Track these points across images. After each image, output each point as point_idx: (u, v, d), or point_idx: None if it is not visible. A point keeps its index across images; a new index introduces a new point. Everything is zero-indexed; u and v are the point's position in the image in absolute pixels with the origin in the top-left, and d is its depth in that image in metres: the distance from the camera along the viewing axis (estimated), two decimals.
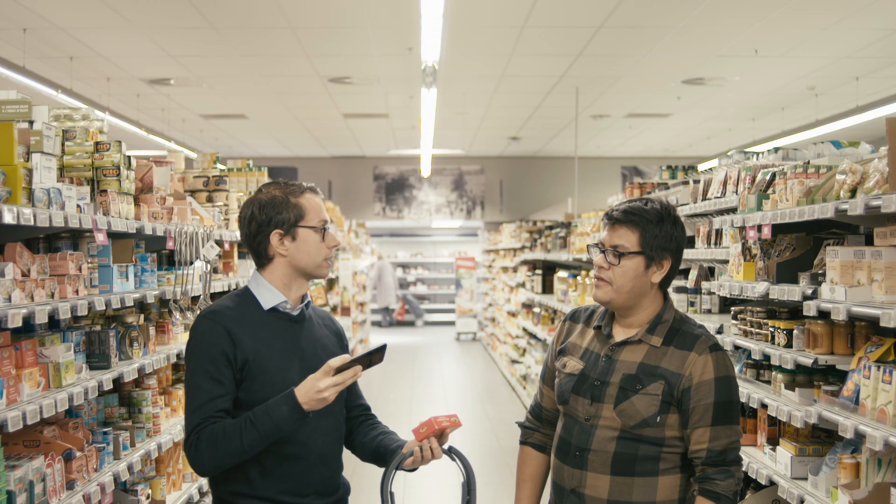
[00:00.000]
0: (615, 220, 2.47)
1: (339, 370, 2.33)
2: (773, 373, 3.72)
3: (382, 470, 2.53)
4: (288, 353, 2.48)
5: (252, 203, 2.52)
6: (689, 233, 5.31)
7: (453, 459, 2.53)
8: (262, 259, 2.53)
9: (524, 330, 11.37)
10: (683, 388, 2.39)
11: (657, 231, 2.43)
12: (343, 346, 2.68)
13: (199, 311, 4.25)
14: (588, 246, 2.58)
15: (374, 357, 2.37)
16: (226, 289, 5.00)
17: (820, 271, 3.36)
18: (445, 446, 2.52)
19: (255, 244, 2.52)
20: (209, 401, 2.37)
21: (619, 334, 2.50)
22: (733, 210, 4.24)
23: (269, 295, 2.51)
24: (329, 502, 2.54)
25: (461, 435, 9.16)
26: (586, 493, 2.42)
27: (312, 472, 2.48)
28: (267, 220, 2.48)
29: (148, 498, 3.76)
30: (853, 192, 3.03)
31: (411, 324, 22.04)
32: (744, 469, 3.76)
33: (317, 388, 2.31)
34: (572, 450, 2.47)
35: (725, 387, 2.40)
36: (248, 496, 2.44)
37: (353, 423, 2.70)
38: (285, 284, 2.52)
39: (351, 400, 2.70)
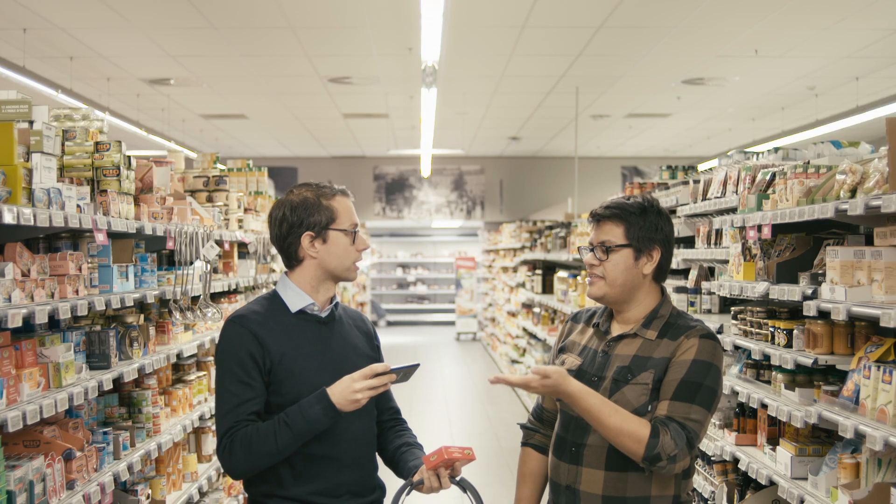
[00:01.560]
0: (600, 216, 2.51)
1: (378, 376, 2.35)
2: (773, 373, 3.72)
3: (394, 475, 2.54)
4: (316, 355, 2.48)
5: (283, 204, 2.52)
6: (689, 233, 5.35)
7: (464, 491, 2.47)
8: (292, 261, 2.54)
9: (524, 330, 11.38)
10: (666, 368, 2.38)
11: (642, 222, 2.46)
12: (374, 348, 2.68)
13: (199, 311, 4.26)
14: (579, 248, 2.61)
15: (407, 373, 2.38)
16: (226, 289, 5.00)
17: (820, 271, 3.36)
18: (457, 477, 2.46)
19: (285, 245, 2.52)
20: (239, 404, 2.39)
21: (616, 330, 2.52)
22: (733, 210, 4.24)
23: (296, 298, 2.51)
24: (363, 503, 2.53)
25: (462, 435, 9.17)
26: (581, 490, 2.42)
27: (345, 474, 2.48)
28: (299, 222, 2.48)
29: (148, 498, 3.76)
30: (853, 192, 3.03)
31: (374, 324, 21.88)
32: (743, 469, 3.76)
33: (352, 389, 2.34)
34: (568, 445, 2.47)
35: (700, 370, 2.35)
36: (280, 497, 2.45)
37: (382, 427, 2.70)
38: (313, 287, 2.53)
39: (382, 402, 2.70)
